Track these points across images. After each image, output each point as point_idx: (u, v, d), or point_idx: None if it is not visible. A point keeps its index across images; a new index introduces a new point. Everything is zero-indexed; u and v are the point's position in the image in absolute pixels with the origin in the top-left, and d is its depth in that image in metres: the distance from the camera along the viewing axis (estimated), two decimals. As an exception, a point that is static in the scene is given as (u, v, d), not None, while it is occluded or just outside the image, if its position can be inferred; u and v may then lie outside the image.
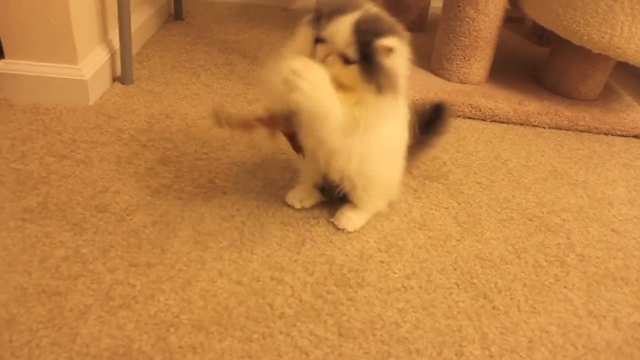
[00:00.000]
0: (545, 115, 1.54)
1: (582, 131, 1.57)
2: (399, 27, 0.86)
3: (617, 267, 1.09)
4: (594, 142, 1.54)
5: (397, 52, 0.83)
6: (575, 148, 1.49)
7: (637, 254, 1.13)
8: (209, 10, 2.15)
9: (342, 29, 0.81)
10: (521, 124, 1.55)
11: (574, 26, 1.42)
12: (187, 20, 2.01)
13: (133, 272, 0.92)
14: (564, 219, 1.20)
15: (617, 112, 1.59)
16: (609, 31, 1.38)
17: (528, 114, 1.54)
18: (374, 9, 0.85)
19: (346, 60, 0.83)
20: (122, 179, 1.13)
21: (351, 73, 0.83)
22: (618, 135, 1.58)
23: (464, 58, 1.58)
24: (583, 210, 1.24)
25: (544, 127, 1.56)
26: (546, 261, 1.07)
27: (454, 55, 1.58)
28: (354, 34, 0.81)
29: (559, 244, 1.12)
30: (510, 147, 1.44)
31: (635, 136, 1.59)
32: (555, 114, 1.55)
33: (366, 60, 0.82)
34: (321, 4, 0.86)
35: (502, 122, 1.54)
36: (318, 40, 0.84)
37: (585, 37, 1.41)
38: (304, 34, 0.87)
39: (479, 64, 1.59)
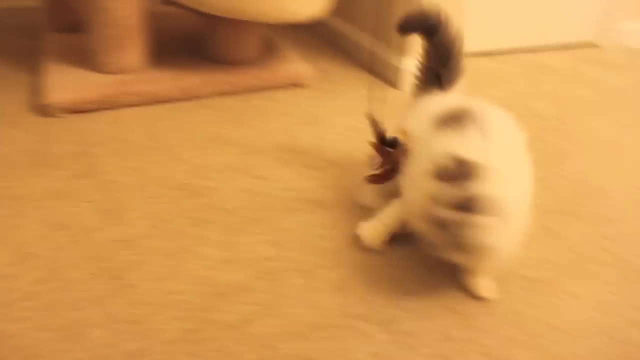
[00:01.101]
0: (208, 85, 1.60)
1: (245, 92, 1.64)
2: None
3: (257, 210, 1.16)
4: (257, 99, 1.62)
5: None
6: (236, 110, 1.55)
7: (277, 193, 1.21)
8: None
9: None
10: (186, 100, 1.58)
11: (200, -4, 1.47)
12: None
13: None
14: (213, 180, 1.25)
15: (276, 68, 1.70)
16: (228, -6, 1.44)
17: (190, 88, 1.58)
18: None
19: None
20: None
21: None
22: (280, 89, 1.68)
23: (117, 48, 1.56)
24: (233, 166, 1.30)
25: (209, 98, 1.61)
26: (190, 224, 1.11)
27: (107, 48, 1.56)
28: None
29: (203, 205, 1.17)
30: (172, 124, 1.46)
31: (296, 85, 1.70)
32: (216, 82, 1.60)
33: None
34: None
35: (167, 102, 1.56)
36: None
37: (214, 6, 1.47)
38: None
39: (134, 51, 1.59)
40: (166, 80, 1.57)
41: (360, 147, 1.40)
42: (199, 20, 1.74)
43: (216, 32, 1.68)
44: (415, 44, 1.71)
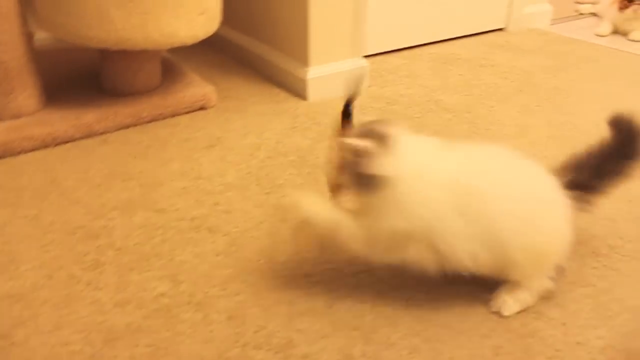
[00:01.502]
0: (107, 120, 1.56)
1: (148, 122, 1.61)
2: (392, 135, 0.88)
3: (154, 245, 1.13)
4: (159, 128, 1.59)
5: (370, 153, 0.85)
6: (137, 142, 1.52)
7: (174, 224, 1.19)
8: None
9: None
10: (86, 138, 1.54)
11: (82, 31, 1.44)
12: None
13: None
14: (110, 219, 1.21)
15: (178, 93, 1.67)
16: (110, 27, 1.41)
17: (89, 125, 1.54)
18: (387, 123, 0.89)
19: None
20: None
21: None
22: (184, 114, 1.66)
23: (5, 93, 1.52)
24: (131, 202, 1.27)
25: (110, 132, 1.57)
26: (81, 269, 1.08)
27: (-6, 94, 1.51)
28: None
29: (99, 246, 1.14)
30: (69, 165, 1.42)
31: (201, 108, 1.68)
32: (116, 116, 1.57)
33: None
34: None
35: (66, 143, 1.52)
36: None
37: (95, 39, 1.44)
38: None
39: (26, 94, 1.55)
40: (63, 120, 1.53)
41: (263, 165, 1.39)
42: (94, 54, 1.70)
43: (111, 64, 1.64)
44: (321, 52, 1.71)
